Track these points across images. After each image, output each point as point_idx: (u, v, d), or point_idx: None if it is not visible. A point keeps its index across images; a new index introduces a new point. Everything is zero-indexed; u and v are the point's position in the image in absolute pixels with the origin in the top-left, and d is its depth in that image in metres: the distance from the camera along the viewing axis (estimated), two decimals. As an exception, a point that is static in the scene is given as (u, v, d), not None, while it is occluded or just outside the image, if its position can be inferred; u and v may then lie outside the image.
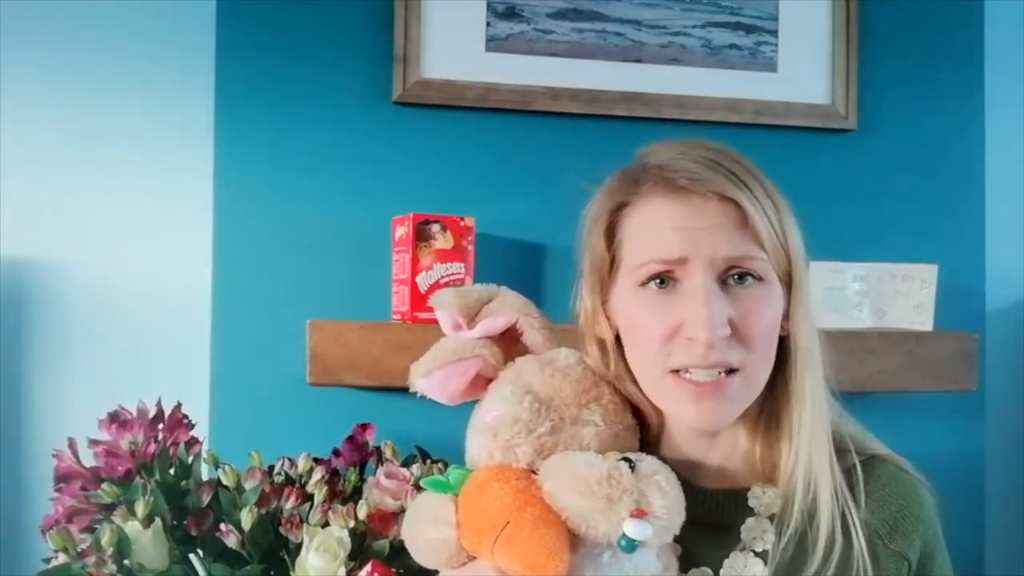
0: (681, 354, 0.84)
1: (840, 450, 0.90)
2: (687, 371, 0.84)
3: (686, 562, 0.88)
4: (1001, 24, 1.76)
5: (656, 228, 0.86)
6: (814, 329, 0.89)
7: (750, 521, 0.89)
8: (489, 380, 0.91)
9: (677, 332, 0.84)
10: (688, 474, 0.89)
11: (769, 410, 0.90)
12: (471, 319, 0.91)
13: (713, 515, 0.89)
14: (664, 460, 0.87)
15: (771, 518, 0.89)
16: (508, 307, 0.92)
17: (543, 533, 0.78)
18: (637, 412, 0.92)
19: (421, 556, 0.87)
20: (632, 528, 0.78)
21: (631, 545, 0.78)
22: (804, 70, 1.62)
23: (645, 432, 0.94)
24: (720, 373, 0.84)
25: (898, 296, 1.54)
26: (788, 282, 0.87)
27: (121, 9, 1.55)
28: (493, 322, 0.91)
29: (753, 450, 0.91)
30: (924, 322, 1.54)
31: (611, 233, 0.90)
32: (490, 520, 0.80)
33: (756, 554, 0.88)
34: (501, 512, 0.80)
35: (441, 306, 0.92)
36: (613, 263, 0.91)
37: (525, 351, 0.92)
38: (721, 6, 1.60)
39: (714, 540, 0.89)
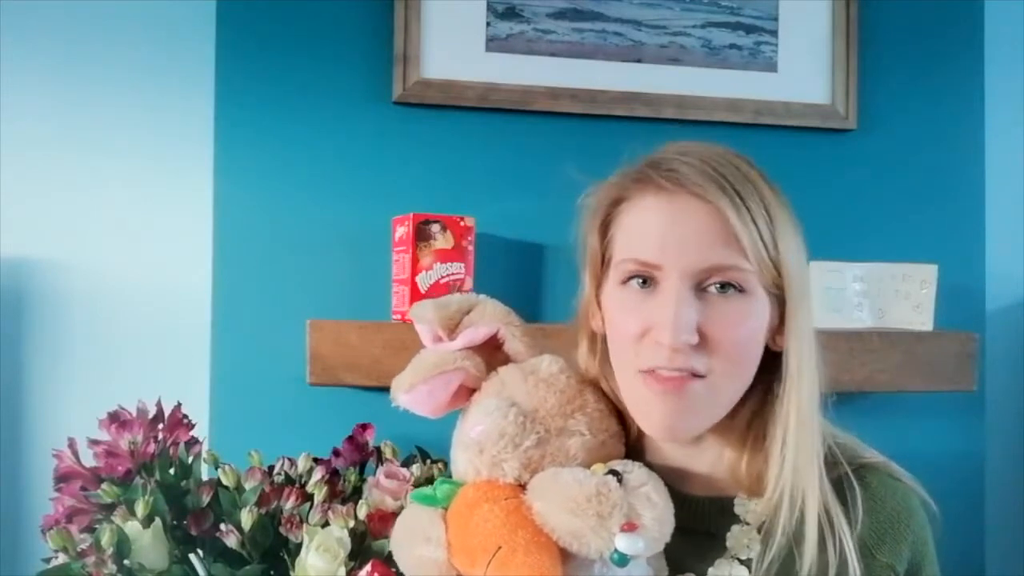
0: (648, 355, 0.84)
1: (828, 463, 0.89)
2: (654, 371, 0.84)
3: (671, 568, 0.87)
4: (1001, 24, 1.76)
5: (640, 228, 0.86)
6: (810, 347, 0.87)
7: (735, 529, 0.89)
8: (472, 391, 0.90)
9: (647, 333, 0.84)
10: (673, 480, 0.88)
11: (756, 424, 0.89)
12: (452, 330, 0.90)
13: (698, 522, 0.88)
14: (649, 466, 0.87)
15: (757, 527, 0.88)
16: (489, 316, 0.91)
17: (536, 558, 0.77)
18: (621, 418, 0.92)
19: (411, 572, 0.86)
20: (624, 543, 0.77)
21: (623, 559, 0.78)
22: (804, 70, 1.62)
23: (629, 437, 0.93)
24: (685, 373, 0.84)
25: (898, 296, 1.54)
26: (780, 296, 0.86)
27: (121, 9, 1.55)
28: (475, 332, 0.90)
29: (739, 462, 0.90)
30: (924, 322, 1.54)
31: (604, 228, 0.90)
32: (482, 544, 0.79)
33: (741, 562, 0.87)
34: (492, 535, 0.79)
35: (420, 319, 0.91)
36: (604, 257, 0.91)
37: (507, 359, 0.91)
38: (721, 6, 1.60)
39: (699, 547, 0.88)
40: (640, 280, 0.85)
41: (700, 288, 0.84)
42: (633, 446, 0.93)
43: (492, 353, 0.92)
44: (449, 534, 0.83)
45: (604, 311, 0.91)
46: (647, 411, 0.86)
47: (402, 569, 0.87)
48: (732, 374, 0.86)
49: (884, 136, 1.66)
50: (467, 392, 0.90)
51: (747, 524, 0.88)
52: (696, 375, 0.84)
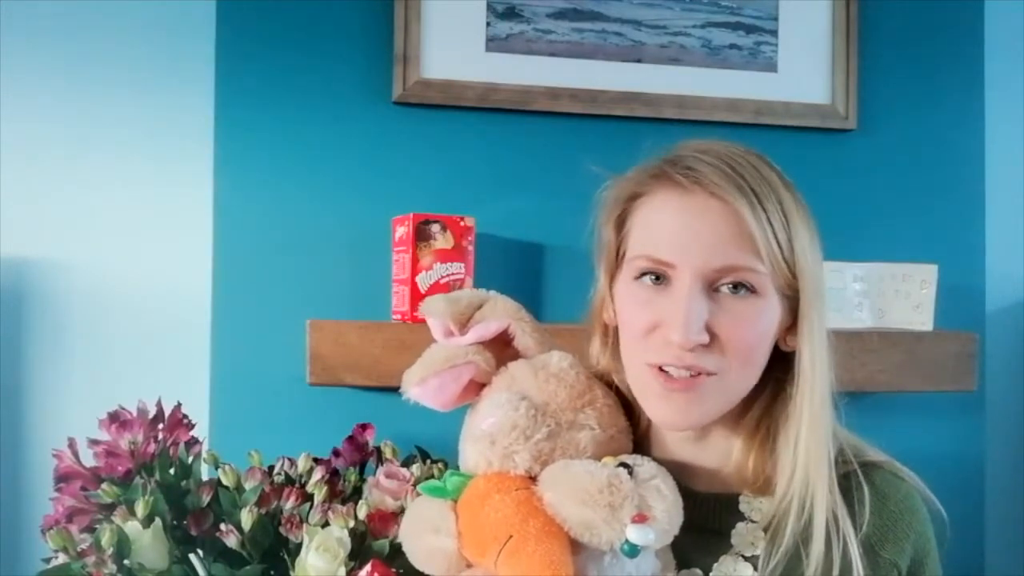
0: (657, 351, 0.85)
1: (837, 461, 0.89)
2: (663, 369, 0.85)
3: (676, 564, 0.88)
4: (1001, 24, 1.76)
5: (655, 225, 0.87)
6: (823, 348, 0.88)
7: (740, 526, 0.89)
8: (482, 385, 0.91)
9: (657, 329, 0.85)
10: (679, 476, 0.88)
11: (767, 424, 0.89)
12: (463, 325, 0.91)
13: (703, 518, 0.89)
14: (656, 461, 0.88)
15: (764, 526, 0.88)
16: (499, 312, 0.92)
17: (547, 547, 0.78)
18: (630, 413, 0.92)
19: (421, 563, 0.87)
20: (635, 534, 0.78)
21: (634, 550, 0.78)
22: (804, 70, 1.62)
23: (637, 432, 0.93)
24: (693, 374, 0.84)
25: (898, 296, 1.54)
26: (794, 297, 0.86)
27: (121, 9, 1.55)
28: (485, 327, 0.90)
29: (746, 461, 0.90)
30: (924, 322, 1.54)
31: (621, 222, 0.91)
32: (493, 533, 0.80)
33: (746, 559, 0.88)
34: (503, 525, 0.80)
35: (432, 313, 0.92)
36: (619, 252, 0.91)
37: (516, 355, 0.92)
38: (721, 6, 1.60)
39: (704, 543, 0.89)
40: (653, 276, 0.86)
41: (712, 287, 0.84)
42: (639, 441, 0.94)
43: (502, 348, 0.92)
44: (460, 524, 0.84)
45: (616, 305, 0.91)
46: (655, 404, 0.87)
47: (412, 560, 0.87)
48: (741, 373, 0.86)
49: (884, 136, 1.66)
50: (477, 387, 0.91)
51: (752, 522, 0.89)
52: (706, 373, 0.84)
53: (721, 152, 0.86)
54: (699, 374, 0.84)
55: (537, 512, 0.81)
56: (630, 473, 0.82)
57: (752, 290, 0.84)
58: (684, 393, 0.84)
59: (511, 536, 0.79)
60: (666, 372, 0.85)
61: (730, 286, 0.84)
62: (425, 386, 0.88)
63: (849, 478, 0.90)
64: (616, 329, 0.92)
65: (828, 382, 0.88)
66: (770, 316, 0.86)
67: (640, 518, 0.79)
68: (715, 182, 0.83)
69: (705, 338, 0.83)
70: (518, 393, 0.87)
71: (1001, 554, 1.75)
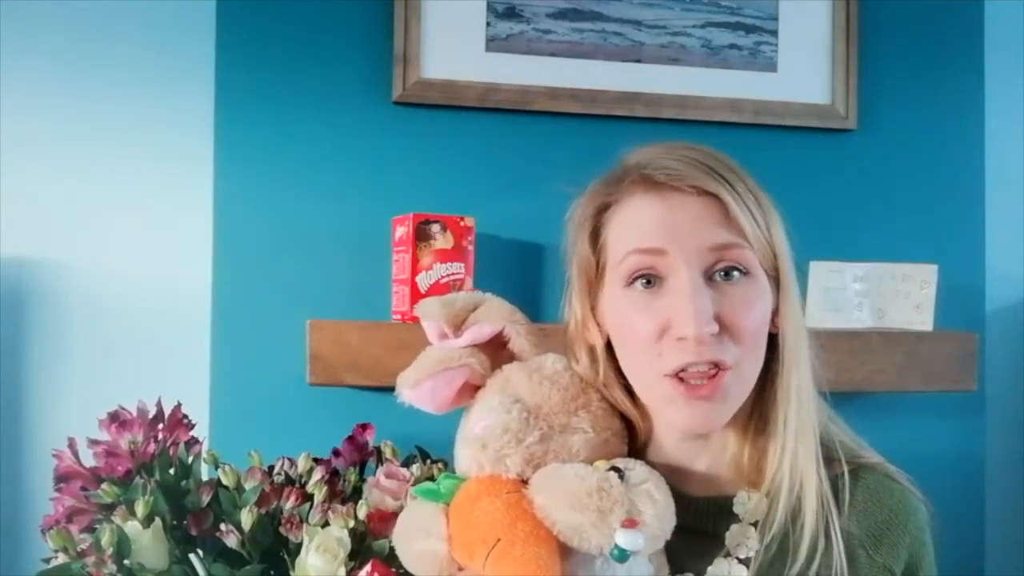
0: (673, 355, 0.83)
1: (829, 458, 0.89)
2: (682, 372, 0.83)
3: (671, 567, 0.87)
4: (1001, 24, 1.76)
5: (637, 222, 0.86)
6: (802, 326, 0.89)
7: (734, 527, 0.88)
8: (477, 388, 0.90)
9: (666, 332, 0.83)
10: (674, 480, 0.88)
11: (758, 410, 0.89)
12: (457, 328, 0.91)
13: (698, 522, 0.88)
14: (650, 464, 0.87)
15: (755, 524, 0.88)
16: (494, 315, 0.91)
17: (534, 550, 0.78)
18: (624, 416, 0.92)
19: (412, 566, 0.87)
20: (624, 539, 0.78)
21: (623, 555, 0.78)
22: (804, 70, 1.62)
23: (632, 439, 0.93)
24: (712, 372, 0.83)
25: (898, 296, 1.54)
26: (776, 278, 0.87)
27: (121, 9, 1.55)
28: (480, 330, 0.90)
29: (741, 453, 0.90)
30: (924, 322, 1.54)
31: (595, 236, 0.90)
32: (481, 536, 0.80)
33: (739, 560, 0.87)
34: (492, 528, 0.80)
35: (426, 316, 0.91)
36: (599, 266, 0.90)
37: (512, 358, 0.92)
38: (721, 6, 1.60)
39: (698, 547, 0.88)
40: (645, 280, 0.85)
41: (707, 277, 0.84)
42: (635, 446, 0.93)
43: (497, 351, 0.92)
44: (450, 527, 0.83)
45: (607, 319, 0.90)
46: (678, 413, 0.85)
47: (403, 563, 0.88)
48: (754, 359, 0.86)
49: (884, 136, 1.66)
50: (472, 389, 0.91)
51: (745, 522, 0.88)
52: (723, 367, 0.83)
53: (685, 149, 0.87)
54: (717, 373, 0.83)
55: (526, 516, 0.80)
56: (621, 477, 0.82)
57: (745, 272, 0.84)
58: (708, 401, 0.83)
59: (499, 539, 0.79)
60: (686, 382, 0.83)
61: (722, 273, 0.84)
62: (419, 389, 0.88)
63: (839, 479, 0.89)
64: (604, 348, 0.91)
65: (809, 360, 0.88)
66: (766, 296, 0.86)
67: (630, 523, 0.78)
68: (691, 175, 0.84)
69: (716, 327, 0.82)
70: (511, 396, 0.87)
71: (1001, 554, 1.75)
